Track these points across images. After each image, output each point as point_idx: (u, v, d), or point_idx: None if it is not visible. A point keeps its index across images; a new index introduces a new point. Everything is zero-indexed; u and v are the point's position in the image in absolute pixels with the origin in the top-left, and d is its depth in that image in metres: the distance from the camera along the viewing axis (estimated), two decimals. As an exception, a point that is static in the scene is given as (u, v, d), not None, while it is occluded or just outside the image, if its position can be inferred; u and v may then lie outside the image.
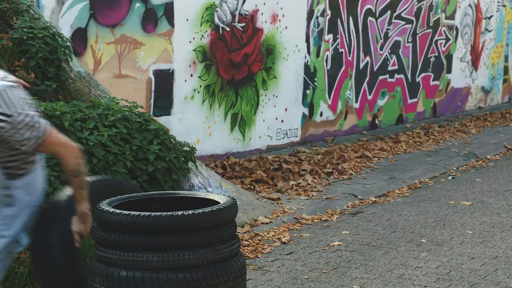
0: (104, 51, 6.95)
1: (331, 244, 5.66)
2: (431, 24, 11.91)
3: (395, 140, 10.00)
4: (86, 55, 6.80)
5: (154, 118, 5.96)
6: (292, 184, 7.31)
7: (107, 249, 2.86)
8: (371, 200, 7.11)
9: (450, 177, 8.25)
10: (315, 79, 9.61)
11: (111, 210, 2.87)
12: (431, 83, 12.12)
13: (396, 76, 11.23)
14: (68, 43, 5.56)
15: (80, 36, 6.75)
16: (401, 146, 9.65)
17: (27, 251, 4.23)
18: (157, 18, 7.46)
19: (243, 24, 8.44)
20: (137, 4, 7.24)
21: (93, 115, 5.02)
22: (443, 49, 12.30)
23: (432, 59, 12.07)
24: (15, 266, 4.07)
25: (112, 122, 5.11)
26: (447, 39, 12.37)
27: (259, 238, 5.77)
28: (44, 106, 4.81)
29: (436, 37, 12.07)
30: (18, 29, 5.27)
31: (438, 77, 12.25)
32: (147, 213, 2.78)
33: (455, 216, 6.54)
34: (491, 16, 13.63)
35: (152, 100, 7.47)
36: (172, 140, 5.58)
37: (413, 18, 11.47)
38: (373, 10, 10.59)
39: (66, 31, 6.53)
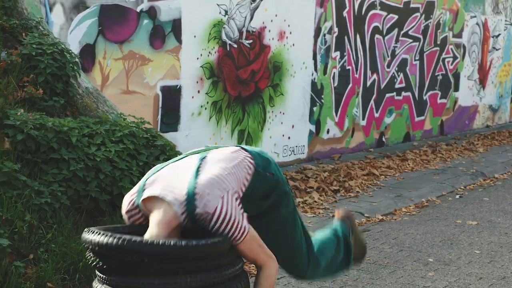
0: (112, 67, 6.98)
1: (337, 262, 5.62)
2: (438, 42, 11.92)
3: (402, 158, 9.98)
4: (94, 71, 6.82)
5: (161, 134, 5.96)
6: (299, 202, 7.29)
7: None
8: (378, 218, 7.08)
9: (457, 196, 8.22)
10: (322, 96, 9.62)
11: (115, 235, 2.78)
12: (439, 101, 12.11)
13: (403, 93, 11.22)
14: (77, 59, 5.58)
15: (88, 52, 6.78)
16: (408, 164, 9.62)
17: (33, 267, 4.22)
18: (165, 35, 7.48)
19: (251, 41, 8.46)
20: (145, 21, 7.28)
21: (101, 131, 5.03)
22: (451, 67, 12.30)
23: (440, 77, 12.07)
24: (21, 281, 4.06)
25: (120, 138, 5.11)
26: (455, 57, 12.37)
27: (265, 255, 5.73)
28: (52, 121, 4.82)
29: (443, 55, 12.07)
30: (27, 45, 5.30)
31: (445, 95, 12.24)
32: (149, 240, 2.70)
33: (462, 236, 6.51)
34: (499, 34, 13.64)
35: (159, 116, 7.48)
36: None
37: (421, 36, 11.48)
38: (380, 27, 10.61)
39: (74, 47, 6.55)
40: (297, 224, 3.32)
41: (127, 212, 3.00)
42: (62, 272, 4.31)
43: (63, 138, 4.79)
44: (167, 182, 2.90)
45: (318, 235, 3.67)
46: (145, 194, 2.89)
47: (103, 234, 2.72)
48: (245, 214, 2.87)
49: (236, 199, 2.86)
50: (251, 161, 3.08)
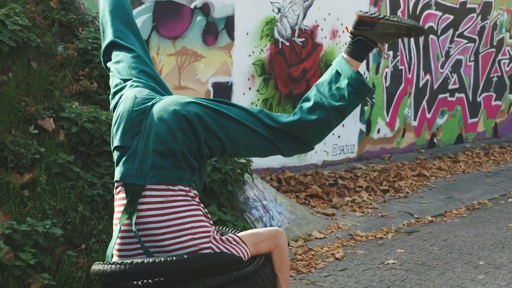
0: (165, 63, 7.06)
1: (385, 262, 5.60)
2: (494, 44, 11.72)
3: (454, 159, 9.85)
4: (147, 66, 6.90)
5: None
6: (347, 200, 7.27)
7: None
8: (428, 220, 7.00)
9: (510, 199, 8.07)
10: (374, 95, 9.55)
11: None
12: (493, 103, 11.90)
13: (457, 95, 11.07)
14: (131, 54, 5.65)
15: (142, 47, 6.86)
16: (460, 166, 9.49)
17: (85, 257, 4.31)
18: (218, 31, 7.54)
19: (303, 39, 8.46)
20: (199, 17, 7.34)
21: (153, 125, 5.09)
22: (507, 69, 12.07)
23: (495, 79, 11.87)
24: (73, 270, 4.16)
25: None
26: (511, 59, 12.14)
27: (312, 253, 5.74)
28: (105, 115, 4.91)
29: (499, 57, 11.86)
30: (83, 39, 5.41)
31: (500, 97, 12.02)
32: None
33: (514, 239, 6.40)
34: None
35: (210, 112, 7.53)
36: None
37: (476, 37, 11.30)
38: (435, 28, 10.48)
39: (129, 43, 6.65)
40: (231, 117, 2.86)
41: None
42: (112, 262, 4.39)
43: (116, 131, 4.87)
44: None
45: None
46: None
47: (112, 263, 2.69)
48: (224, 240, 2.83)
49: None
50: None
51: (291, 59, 8.35)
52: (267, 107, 8.10)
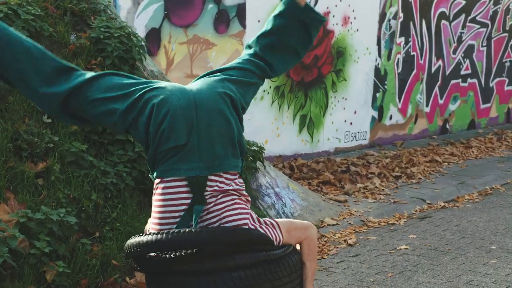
0: (177, 51, 7.08)
1: (397, 248, 5.62)
2: (507, 28, 11.65)
3: (466, 145, 9.83)
4: (159, 55, 6.94)
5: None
6: (360, 187, 7.28)
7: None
8: (440, 205, 7.01)
9: (523, 184, 8.07)
10: (386, 82, 9.54)
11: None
12: (506, 88, 11.85)
13: (469, 80, 11.03)
14: (143, 43, 5.68)
15: (154, 36, 6.90)
16: (472, 152, 9.47)
17: (99, 245, 4.36)
18: (229, 19, 7.55)
19: (314, 26, 8.43)
20: (210, 5, 7.35)
21: (165, 113, 5.12)
22: (519, 53, 12.00)
23: (508, 64, 11.81)
24: (88, 258, 4.20)
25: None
26: (523, 44, 12.08)
27: (325, 239, 5.77)
28: (118, 103, 4.93)
29: (512, 41, 11.80)
30: (96, 28, 5.43)
31: (513, 82, 11.97)
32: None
33: (527, 224, 6.40)
34: None
35: (222, 100, 7.55)
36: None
37: (489, 22, 11.24)
38: (447, 13, 10.43)
39: (140, 31, 6.68)
40: None
41: None
42: (126, 250, 4.43)
43: (129, 120, 4.89)
44: None
45: None
46: None
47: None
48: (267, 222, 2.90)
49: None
50: None
51: (302, 46, 8.33)
52: (279, 95, 8.11)
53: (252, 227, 2.79)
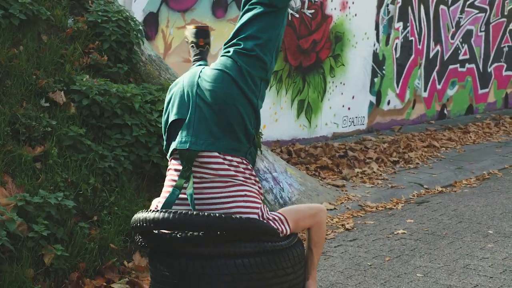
0: (175, 36, 7.06)
1: (395, 232, 5.63)
2: (505, 13, 11.63)
3: (464, 130, 9.84)
4: (157, 39, 6.92)
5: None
6: (357, 172, 7.29)
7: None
8: (437, 190, 7.03)
9: (520, 170, 8.08)
10: (384, 67, 9.53)
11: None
12: (504, 73, 11.84)
13: (467, 65, 11.02)
14: (140, 27, 5.67)
15: (151, 20, 6.88)
16: (470, 137, 9.49)
17: (97, 228, 4.37)
18: (227, 4, 7.52)
19: (313, 11, 8.43)
20: (208, -10, 7.32)
21: (163, 98, 5.12)
22: (518, 38, 11.99)
23: (506, 49, 11.80)
24: (86, 242, 4.21)
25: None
26: (522, 29, 12.06)
27: (323, 224, 5.78)
28: (116, 87, 4.93)
29: (510, 27, 11.77)
30: (93, 12, 5.41)
31: (511, 67, 11.95)
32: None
33: (524, 209, 6.42)
34: None
35: (220, 85, 7.54)
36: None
37: (487, 7, 11.22)
38: (445, -2, 10.41)
39: (138, 15, 6.65)
40: None
41: None
42: (124, 234, 4.45)
43: (127, 104, 4.90)
44: None
45: None
46: None
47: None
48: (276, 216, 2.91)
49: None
50: None
51: (300, 31, 8.33)
52: (277, 80, 8.10)
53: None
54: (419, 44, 10.08)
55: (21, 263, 3.87)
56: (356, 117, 9.20)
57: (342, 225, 5.80)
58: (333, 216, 5.99)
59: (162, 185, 4.42)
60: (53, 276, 4.01)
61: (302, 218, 3.00)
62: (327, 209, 6.12)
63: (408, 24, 9.82)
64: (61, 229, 4.12)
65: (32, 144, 4.46)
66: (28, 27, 4.96)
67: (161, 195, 2.90)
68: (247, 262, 2.75)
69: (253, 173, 2.85)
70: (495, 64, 11.61)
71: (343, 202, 6.35)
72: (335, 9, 8.70)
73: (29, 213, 3.99)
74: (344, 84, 8.94)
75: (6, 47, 4.75)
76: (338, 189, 6.70)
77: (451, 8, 10.54)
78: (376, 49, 9.37)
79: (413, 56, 10.00)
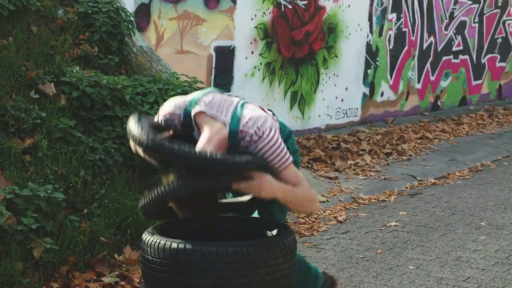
0: (167, 27, 7.01)
1: (387, 225, 5.62)
2: (499, 4, 11.59)
3: (458, 122, 9.83)
4: (149, 31, 6.87)
5: (214, 94, 5.98)
6: (350, 164, 7.27)
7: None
8: (430, 182, 7.01)
9: (513, 161, 8.08)
10: (377, 58, 9.50)
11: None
12: (497, 64, 11.82)
13: (461, 57, 10.99)
14: (131, 18, 5.62)
15: (143, 11, 6.82)
16: (463, 128, 9.48)
17: (87, 221, 4.33)
18: (220, -5, 7.47)
19: (305, 2, 8.38)
20: (200, -20, 7.27)
21: (154, 90, 5.08)
22: (511, 30, 11.96)
23: (499, 40, 11.77)
24: (76, 235, 4.18)
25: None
26: (516, 20, 12.03)
27: (315, 216, 5.76)
28: (106, 79, 4.89)
29: (504, 17, 11.74)
30: (83, 3, 5.36)
31: (504, 58, 11.93)
32: None
33: (516, 201, 6.41)
34: None
35: (212, 77, 7.52)
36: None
37: (481, -2, 11.18)
38: (439, -11, 10.37)
39: (130, 6, 6.59)
40: None
41: (169, 114, 3.05)
42: (114, 227, 4.42)
43: (117, 96, 4.86)
44: (221, 106, 3.00)
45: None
46: (201, 109, 2.97)
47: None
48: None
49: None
50: (277, 125, 3.10)
51: (293, 23, 8.29)
52: (270, 71, 8.06)
53: None
54: (413, 36, 10.05)
55: (10, 256, 3.84)
56: (349, 109, 9.18)
57: (335, 217, 5.78)
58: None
59: (153, 178, 4.40)
60: (43, 270, 3.98)
61: (295, 201, 2.98)
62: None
63: (401, 15, 9.79)
64: (51, 222, 4.09)
65: (21, 136, 4.42)
66: (18, 17, 4.92)
67: None
68: (239, 251, 2.75)
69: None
70: (489, 55, 11.58)
71: (335, 194, 6.33)
72: (328, 0, 8.65)
73: (18, 206, 3.96)
74: (337, 76, 8.91)
75: (-5, 38, 4.71)
76: (331, 181, 6.68)
77: (444, -1, 10.51)
78: (370, 40, 9.34)
79: (406, 47, 9.97)
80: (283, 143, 2.96)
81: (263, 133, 2.92)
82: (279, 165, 2.94)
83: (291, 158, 2.97)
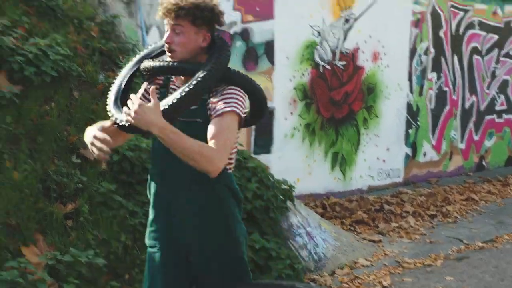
0: (207, 90, 7.02)
1: (435, 290, 5.43)
2: (541, 63, 11.45)
3: (504, 183, 9.59)
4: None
5: (254, 156, 5.94)
6: (394, 226, 7.10)
7: None
8: (478, 246, 6.79)
9: None
10: (418, 118, 9.39)
11: None
12: (542, 124, 11.60)
13: (505, 116, 10.82)
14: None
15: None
16: (511, 190, 9.24)
17: (128, 287, 4.25)
18: (258, 57, 7.50)
19: (344, 63, 8.37)
20: (239, 43, 7.32)
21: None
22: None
23: (543, 99, 11.58)
24: None
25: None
26: (559, 78, 11.85)
27: (359, 281, 5.60)
28: (146, 143, 4.88)
29: (546, 76, 11.58)
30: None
31: (549, 117, 11.72)
32: None
33: None
34: None
35: (252, 138, 7.48)
36: (270, 178, 5.53)
37: (522, 56, 11.07)
38: (479, 48, 10.30)
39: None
40: None
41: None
42: (155, 293, 4.32)
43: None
44: None
45: None
46: None
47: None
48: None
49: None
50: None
51: (332, 83, 8.26)
52: (310, 132, 8.01)
53: None
54: (454, 95, 9.95)
55: (49, 324, 3.77)
56: (391, 170, 9.04)
57: (379, 282, 5.60)
58: (369, 272, 5.80)
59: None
60: (82, 338, 3.90)
61: (229, 140, 2.99)
62: (363, 266, 5.93)
63: (441, 75, 9.71)
64: (91, 289, 4.02)
65: (63, 201, 4.40)
66: (60, 83, 4.96)
67: None
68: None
69: None
70: (533, 114, 11.39)
71: (379, 258, 6.16)
72: (367, 60, 8.63)
73: (59, 272, 3.91)
74: (378, 136, 8.81)
75: (38, 104, 4.74)
76: (375, 244, 6.51)
77: (485, 58, 10.42)
78: (410, 100, 9.26)
79: (448, 106, 9.86)
80: (242, 101, 3.04)
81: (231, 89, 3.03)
82: (223, 107, 2.96)
83: (236, 111, 2.99)
